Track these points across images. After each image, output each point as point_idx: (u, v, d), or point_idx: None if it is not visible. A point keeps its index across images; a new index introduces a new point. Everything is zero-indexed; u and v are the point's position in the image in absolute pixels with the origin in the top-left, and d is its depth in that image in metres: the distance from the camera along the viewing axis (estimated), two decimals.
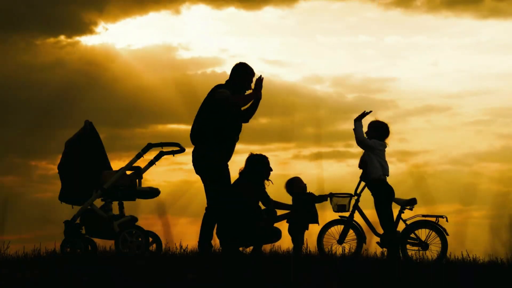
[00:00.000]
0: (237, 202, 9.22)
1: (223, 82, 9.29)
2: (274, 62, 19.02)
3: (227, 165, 9.19)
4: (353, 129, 9.57)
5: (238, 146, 9.38)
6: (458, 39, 19.26)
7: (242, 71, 9.29)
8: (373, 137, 9.64)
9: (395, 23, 19.14)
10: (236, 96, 9.16)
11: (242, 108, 9.28)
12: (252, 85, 9.26)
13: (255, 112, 9.33)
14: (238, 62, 9.33)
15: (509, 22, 18.87)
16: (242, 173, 9.46)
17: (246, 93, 9.25)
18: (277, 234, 9.39)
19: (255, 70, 9.26)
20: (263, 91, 9.17)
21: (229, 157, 9.19)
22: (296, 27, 19.31)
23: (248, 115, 9.33)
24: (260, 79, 9.23)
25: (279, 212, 9.62)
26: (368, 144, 9.56)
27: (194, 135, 9.17)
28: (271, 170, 9.50)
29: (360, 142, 9.57)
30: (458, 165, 18.09)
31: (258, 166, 9.41)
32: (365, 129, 9.68)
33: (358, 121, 9.59)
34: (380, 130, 9.69)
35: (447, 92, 19.20)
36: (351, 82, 19.37)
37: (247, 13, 18.73)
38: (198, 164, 9.12)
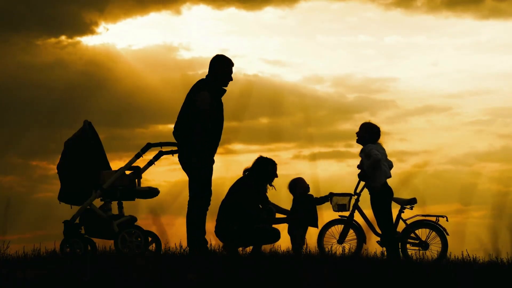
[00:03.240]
0: (236, 203, 9.23)
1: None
2: (274, 62, 19.01)
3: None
4: (372, 169, 9.43)
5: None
6: (458, 39, 19.28)
7: (219, 63, 9.19)
8: (364, 138, 9.58)
9: (395, 23, 19.16)
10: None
11: None
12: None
13: None
14: (215, 55, 9.26)
15: (509, 22, 18.89)
16: (245, 171, 9.46)
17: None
18: (276, 235, 9.37)
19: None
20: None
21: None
22: (296, 27, 19.32)
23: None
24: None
25: (278, 215, 9.62)
26: (377, 158, 9.43)
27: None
28: (276, 176, 9.46)
29: (374, 163, 9.37)
30: (458, 165, 18.11)
31: (263, 167, 9.39)
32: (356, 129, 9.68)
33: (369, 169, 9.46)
34: (372, 132, 9.62)
35: (447, 92, 19.22)
36: (351, 82, 19.38)
37: (247, 13, 18.74)
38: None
